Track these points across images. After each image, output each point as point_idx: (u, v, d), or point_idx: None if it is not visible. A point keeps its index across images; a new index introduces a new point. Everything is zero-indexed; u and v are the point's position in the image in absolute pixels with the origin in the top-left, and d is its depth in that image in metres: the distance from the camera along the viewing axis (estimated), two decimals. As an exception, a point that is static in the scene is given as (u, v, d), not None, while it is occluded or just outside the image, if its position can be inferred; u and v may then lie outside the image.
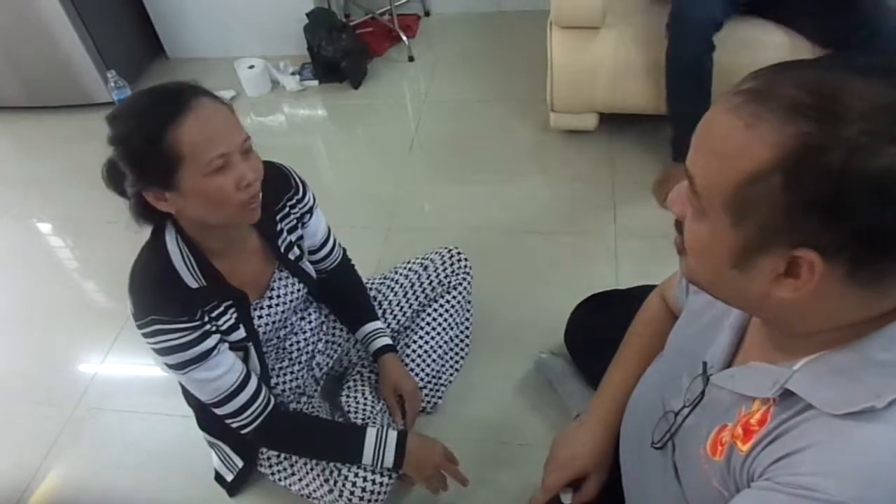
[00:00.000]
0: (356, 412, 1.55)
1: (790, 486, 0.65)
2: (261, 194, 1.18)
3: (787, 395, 0.71)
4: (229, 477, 1.58)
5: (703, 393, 0.87)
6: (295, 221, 1.42)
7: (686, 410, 0.90)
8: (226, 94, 2.90)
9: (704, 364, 0.88)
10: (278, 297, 1.42)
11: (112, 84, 2.69)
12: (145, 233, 1.24)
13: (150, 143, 1.07)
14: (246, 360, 1.36)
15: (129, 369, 1.98)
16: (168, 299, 1.20)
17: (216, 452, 1.60)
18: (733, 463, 0.76)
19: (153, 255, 1.22)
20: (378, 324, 1.64)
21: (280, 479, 1.52)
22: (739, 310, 0.85)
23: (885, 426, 0.63)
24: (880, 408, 0.63)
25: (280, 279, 1.42)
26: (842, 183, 0.57)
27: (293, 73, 2.96)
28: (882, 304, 0.65)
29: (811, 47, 1.97)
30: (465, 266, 1.77)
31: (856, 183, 0.56)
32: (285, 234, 1.39)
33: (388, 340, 1.62)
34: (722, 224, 0.66)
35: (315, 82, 2.95)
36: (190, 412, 1.57)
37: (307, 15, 2.86)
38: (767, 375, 0.73)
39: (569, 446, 1.18)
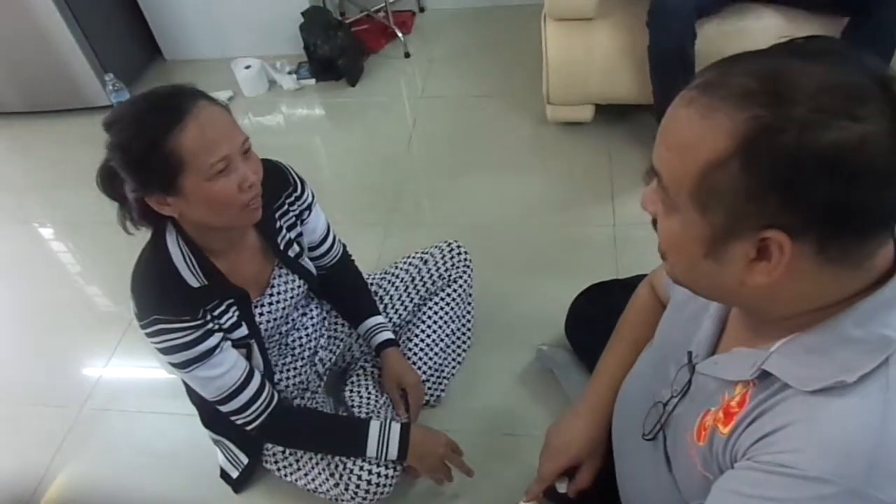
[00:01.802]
0: (360, 407, 1.56)
1: (769, 465, 0.67)
2: (260, 189, 1.19)
3: (764, 376, 0.73)
4: (234, 474, 1.59)
5: (689, 382, 0.89)
6: (294, 219, 1.42)
7: (674, 400, 0.91)
8: (223, 95, 2.91)
9: (689, 354, 0.90)
10: (279, 294, 1.43)
11: (110, 87, 2.70)
12: (145, 235, 1.25)
13: (152, 150, 1.07)
14: (249, 357, 1.37)
15: (134, 371, 1.99)
16: (170, 299, 1.21)
17: (221, 450, 1.61)
18: (715, 446, 0.78)
19: (154, 256, 1.23)
20: (380, 318, 1.64)
21: (286, 475, 1.53)
22: (720, 303, 0.86)
23: (856, 399, 0.65)
24: (851, 382, 0.65)
25: (280, 276, 1.43)
26: (796, 161, 0.59)
27: (290, 72, 2.96)
28: (854, 283, 0.67)
29: (807, 23, 1.97)
30: (466, 259, 1.77)
31: (809, 159, 0.58)
32: (284, 231, 1.40)
33: (389, 335, 1.63)
34: (691, 216, 0.68)
35: (312, 81, 2.96)
36: (194, 412, 1.58)
37: (302, 14, 2.86)
38: (747, 359, 0.75)
39: (562, 435, 1.19)
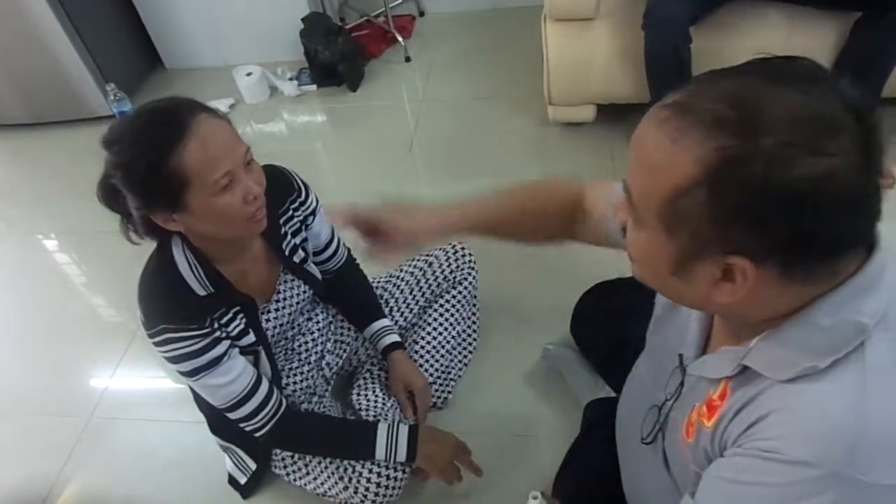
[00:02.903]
0: (367, 410, 1.56)
1: (755, 451, 0.69)
2: (264, 199, 1.18)
3: (744, 370, 0.75)
4: (243, 480, 1.59)
5: (682, 384, 0.90)
6: (298, 224, 1.42)
7: (669, 403, 0.93)
8: (224, 103, 2.92)
9: (680, 356, 0.91)
10: (285, 299, 1.43)
11: (112, 97, 2.71)
12: (150, 244, 1.25)
13: (154, 170, 1.06)
14: (256, 363, 1.37)
15: (141, 380, 1.99)
16: (177, 308, 1.21)
17: (229, 456, 1.61)
18: (702, 441, 0.79)
19: (161, 265, 1.23)
20: (386, 321, 1.64)
21: (295, 479, 1.53)
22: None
23: (828, 385, 0.66)
24: (823, 367, 0.66)
25: (286, 282, 1.43)
26: (762, 194, 0.59)
27: (291, 79, 2.97)
28: (825, 287, 0.68)
29: (813, 21, 1.98)
30: (470, 261, 1.77)
31: (776, 193, 0.59)
32: (289, 237, 1.40)
33: (396, 338, 1.63)
34: (658, 234, 0.69)
35: (313, 87, 2.96)
36: (202, 418, 1.57)
37: (303, 20, 2.87)
38: (731, 356, 0.77)
39: (411, 217, 1.13)
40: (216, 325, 1.26)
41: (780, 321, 0.71)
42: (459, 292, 1.75)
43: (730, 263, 0.64)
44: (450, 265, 1.75)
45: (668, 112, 0.65)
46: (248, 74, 2.92)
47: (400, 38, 3.02)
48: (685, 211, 0.64)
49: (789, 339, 0.70)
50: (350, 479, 1.43)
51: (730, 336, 0.80)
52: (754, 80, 0.62)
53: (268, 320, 1.40)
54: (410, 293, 1.74)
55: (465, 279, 1.76)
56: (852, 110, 0.60)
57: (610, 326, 1.38)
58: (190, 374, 1.26)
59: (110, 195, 1.15)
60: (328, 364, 1.64)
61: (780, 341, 0.70)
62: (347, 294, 1.65)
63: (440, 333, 1.71)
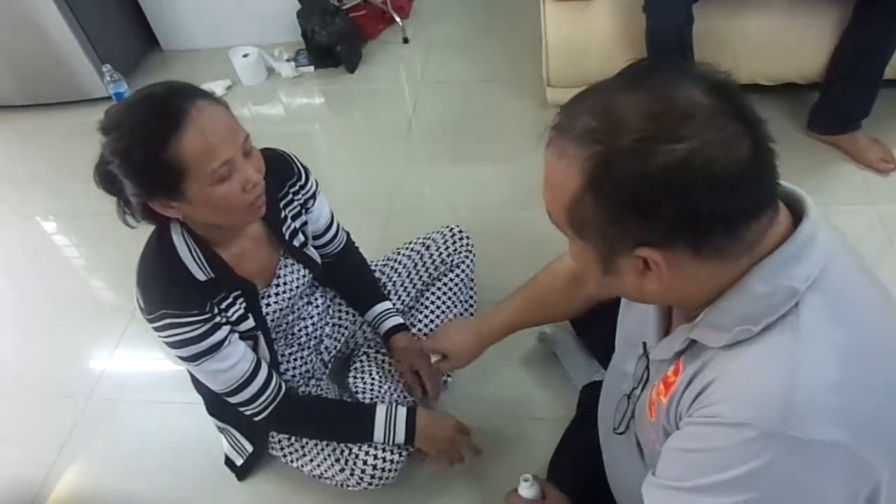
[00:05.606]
0: (364, 392, 1.56)
1: (701, 417, 0.73)
2: (263, 186, 1.18)
3: (692, 344, 0.79)
4: (239, 461, 1.60)
5: (647, 370, 0.93)
6: (298, 208, 1.42)
7: (637, 391, 0.95)
8: (221, 84, 2.90)
9: (644, 345, 0.94)
10: (284, 284, 1.43)
11: (108, 78, 2.69)
12: (146, 226, 1.24)
13: (152, 159, 1.05)
14: (255, 348, 1.37)
15: (138, 361, 2.00)
16: (178, 293, 1.21)
17: (226, 437, 1.62)
18: (661, 417, 0.83)
19: (160, 250, 1.22)
20: (387, 304, 1.64)
21: (291, 461, 1.54)
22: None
23: (762, 346, 0.70)
24: (757, 331, 0.71)
25: (286, 267, 1.42)
26: (634, 186, 0.65)
27: (288, 60, 2.95)
28: (750, 260, 0.71)
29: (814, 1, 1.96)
30: (468, 244, 1.77)
31: (644, 183, 0.65)
32: (289, 221, 1.39)
33: (399, 320, 1.62)
34: (577, 243, 0.76)
35: (310, 68, 2.94)
36: (199, 400, 1.58)
37: (299, 0, 2.84)
38: (681, 334, 0.80)
39: (451, 338, 1.47)
40: (216, 311, 1.25)
41: (720, 294, 0.74)
42: (457, 275, 1.75)
43: (639, 255, 0.69)
44: (447, 248, 1.74)
45: (553, 133, 0.72)
46: (245, 56, 2.90)
47: (398, 19, 3.00)
48: (583, 217, 0.70)
49: (728, 309, 0.73)
50: (347, 460, 1.43)
51: (684, 318, 0.83)
52: (616, 90, 0.68)
53: (268, 305, 1.40)
54: (408, 276, 1.73)
55: (463, 262, 1.76)
56: (708, 88, 0.65)
57: (605, 309, 1.37)
58: (190, 359, 1.26)
59: (108, 180, 1.14)
60: (326, 348, 1.65)
61: (720, 311, 0.74)
62: (347, 277, 1.64)
63: (437, 316, 1.71)
